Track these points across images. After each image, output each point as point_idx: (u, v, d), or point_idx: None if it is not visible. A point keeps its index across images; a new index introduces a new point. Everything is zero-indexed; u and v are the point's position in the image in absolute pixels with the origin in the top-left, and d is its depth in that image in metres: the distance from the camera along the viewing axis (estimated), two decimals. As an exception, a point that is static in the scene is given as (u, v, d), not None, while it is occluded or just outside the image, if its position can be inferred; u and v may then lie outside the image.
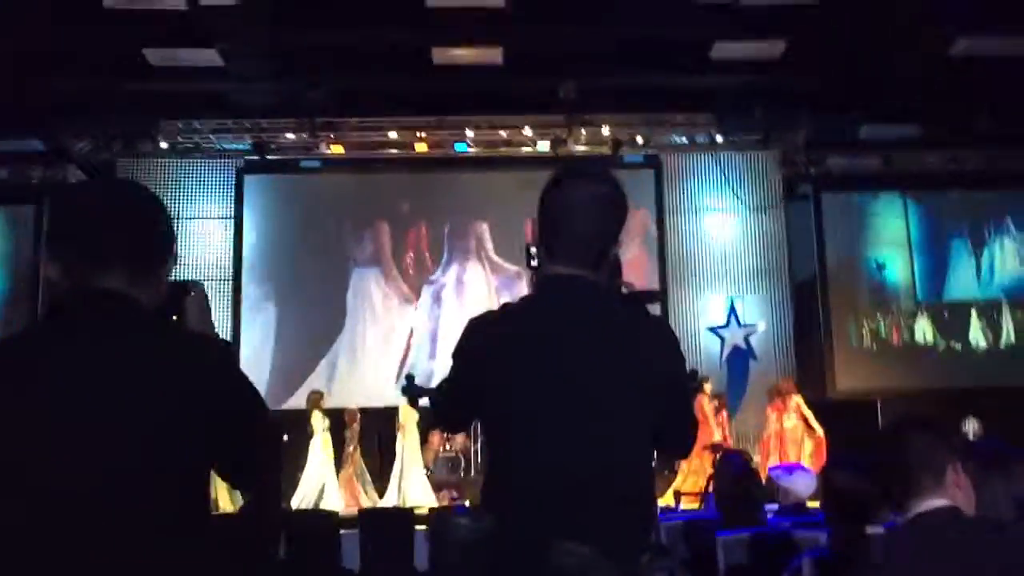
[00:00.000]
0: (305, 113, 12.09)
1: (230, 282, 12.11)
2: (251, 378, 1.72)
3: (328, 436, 10.66)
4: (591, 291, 1.95)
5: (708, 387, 10.57)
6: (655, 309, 2.11)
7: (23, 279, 11.98)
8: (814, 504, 4.05)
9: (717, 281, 12.42)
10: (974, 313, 12.55)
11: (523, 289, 11.59)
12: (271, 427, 1.80)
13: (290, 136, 12.48)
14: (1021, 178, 12.79)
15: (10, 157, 12.31)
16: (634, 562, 1.79)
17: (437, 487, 10.59)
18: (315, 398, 10.92)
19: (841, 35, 10.53)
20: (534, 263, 2.01)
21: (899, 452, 2.09)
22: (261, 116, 12.35)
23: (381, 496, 10.73)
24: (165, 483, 1.53)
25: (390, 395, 11.38)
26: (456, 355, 2.00)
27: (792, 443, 10.27)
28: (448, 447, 11.24)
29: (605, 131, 12.48)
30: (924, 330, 12.53)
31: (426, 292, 12.59)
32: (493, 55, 10.84)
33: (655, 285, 11.72)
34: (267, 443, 1.77)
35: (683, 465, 9.74)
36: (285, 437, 9.34)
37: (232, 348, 1.69)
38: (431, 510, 8.87)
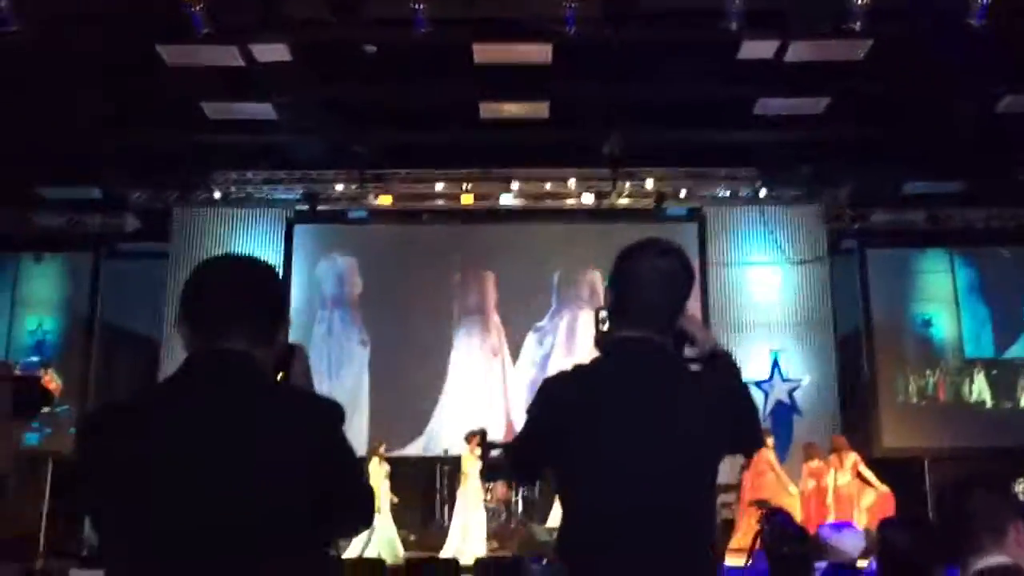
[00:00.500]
0: (354, 165, 12.37)
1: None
2: None
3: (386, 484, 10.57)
4: (660, 353, 2.07)
5: (770, 440, 10.56)
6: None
7: (79, 325, 12.31)
8: (863, 564, 4.05)
9: (761, 335, 12.39)
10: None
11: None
12: (368, 486, 1.96)
13: (339, 187, 12.76)
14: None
15: (69, 205, 12.70)
16: None
17: None
18: (374, 445, 10.79)
19: (885, 91, 10.60)
20: (604, 327, 2.13)
21: (963, 508, 2.13)
22: (312, 167, 12.66)
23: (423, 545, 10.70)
24: (278, 530, 1.69)
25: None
26: (532, 410, 2.12)
27: (846, 500, 10.14)
28: (488, 497, 11.23)
29: (649, 184, 12.60)
30: (972, 388, 12.36)
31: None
32: (539, 109, 11.05)
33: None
34: (367, 498, 1.94)
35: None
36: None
37: (342, 408, 1.83)
38: (477, 560, 8.83)
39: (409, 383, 12.42)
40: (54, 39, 9.01)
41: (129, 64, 9.83)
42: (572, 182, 12.71)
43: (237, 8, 8.64)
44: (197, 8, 8.25)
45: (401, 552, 10.19)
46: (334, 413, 1.83)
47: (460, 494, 10.61)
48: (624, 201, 12.77)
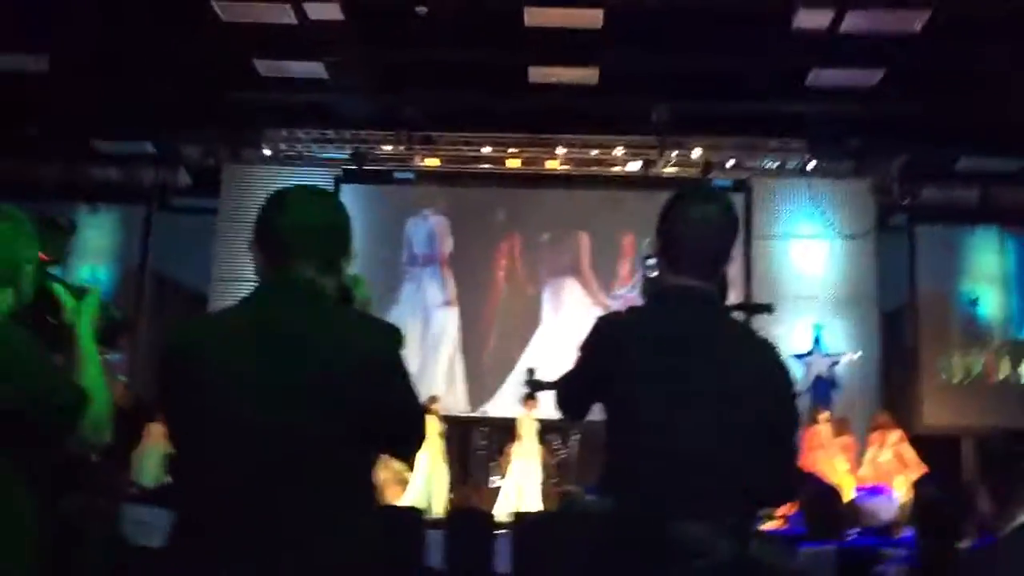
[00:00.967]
0: (402, 126, 12.45)
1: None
2: None
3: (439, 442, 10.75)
4: (709, 301, 2.15)
5: (823, 415, 10.63)
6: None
7: (131, 275, 12.61)
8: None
9: (803, 308, 12.31)
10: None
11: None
12: (421, 408, 2.10)
13: (387, 148, 12.86)
14: None
15: (123, 159, 12.96)
16: (746, 545, 1.93)
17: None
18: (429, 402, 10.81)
19: (941, 65, 10.41)
20: (652, 273, 2.21)
21: (1013, 457, 2.17)
22: (360, 127, 12.76)
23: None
24: (340, 438, 1.84)
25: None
26: (584, 348, 2.21)
27: (884, 477, 10.12)
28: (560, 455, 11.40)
29: (696, 154, 12.53)
30: (1018, 368, 12.20)
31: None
32: (589, 75, 11.03)
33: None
34: (420, 419, 2.08)
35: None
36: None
37: (400, 332, 1.97)
38: (516, 514, 8.93)
39: (497, 344, 12.60)
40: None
41: (184, 20, 9.97)
42: (619, 149, 12.68)
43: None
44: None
45: (440, 509, 10.37)
46: (392, 334, 1.99)
47: (515, 455, 10.75)
48: (670, 170, 12.71)
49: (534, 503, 10.37)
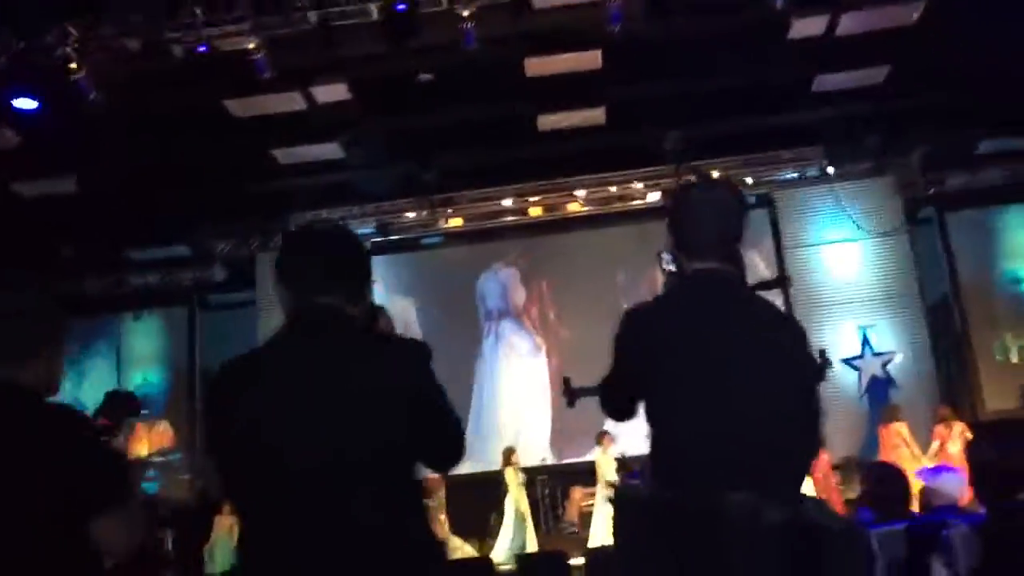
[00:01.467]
0: (422, 191, 12.68)
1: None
2: None
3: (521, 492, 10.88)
4: (733, 282, 2.22)
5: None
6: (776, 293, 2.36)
7: (181, 376, 12.85)
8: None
9: (846, 312, 12.22)
10: None
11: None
12: (457, 418, 2.13)
13: (410, 215, 13.08)
14: None
15: (161, 263, 13.30)
16: (796, 508, 1.95)
17: None
18: (507, 454, 11.09)
19: (945, 53, 10.41)
20: (670, 267, 2.27)
21: None
22: (382, 199, 13.01)
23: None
24: (383, 460, 1.91)
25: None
26: (618, 344, 2.26)
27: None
28: (588, 503, 11.29)
29: (714, 175, 12.57)
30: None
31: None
32: (596, 115, 11.18)
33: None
34: (457, 428, 2.13)
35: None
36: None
37: (428, 348, 2.04)
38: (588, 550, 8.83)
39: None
40: (128, 103, 9.48)
41: (199, 122, 10.30)
42: (637, 183, 12.79)
43: (294, 52, 8.99)
44: (260, 55, 8.63)
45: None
46: (422, 351, 2.05)
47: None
48: (692, 195, 12.73)
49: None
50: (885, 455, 10.31)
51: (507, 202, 13.00)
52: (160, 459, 11.03)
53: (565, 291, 12.98)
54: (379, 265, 13.09)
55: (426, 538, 1.98)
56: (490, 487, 11.82)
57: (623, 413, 2.32)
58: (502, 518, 11.30)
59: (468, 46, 8.86)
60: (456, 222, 13.19)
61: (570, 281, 12.94)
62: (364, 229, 13.25)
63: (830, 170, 12.62)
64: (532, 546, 10.60)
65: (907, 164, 12.58)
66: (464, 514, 11.25)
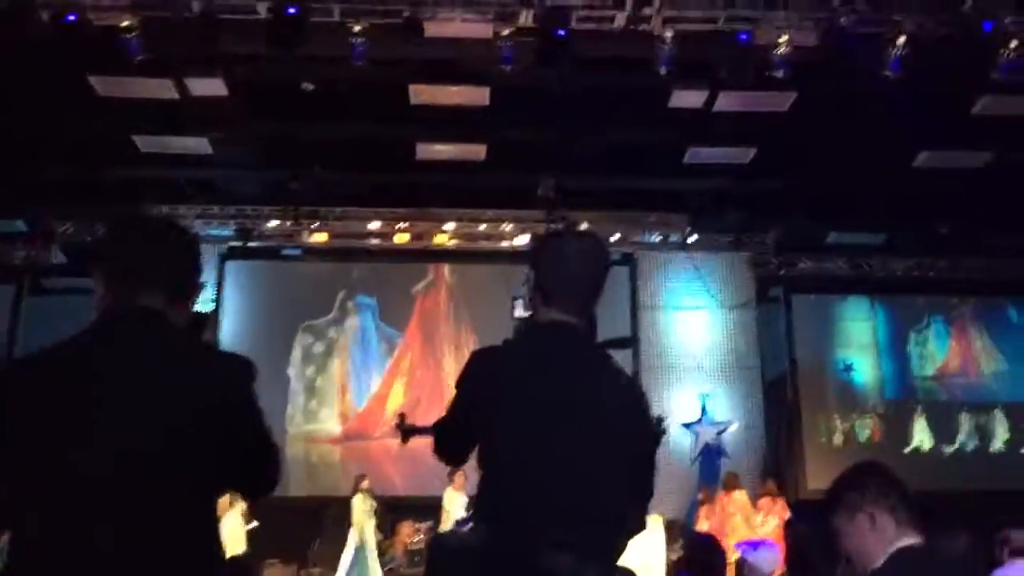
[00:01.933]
0: (289, 201, 12.34)
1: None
2: None
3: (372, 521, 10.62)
4: (580, 337, 2.19)
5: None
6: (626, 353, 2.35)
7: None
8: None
9: (689, 378, 12.59)
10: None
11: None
12: (275, 445, 1.97)
13: (273, 223, 12.71)
14: (984, 284, 13.27)
15: (-5, 238, 12.42)
16: (611, 574, 1.92)
17: None
18: (357, 480, 10.75)
19: (809, 144, 10.98)
20: (522, 312, 2.23)
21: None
22: (246, 203, 12.59)
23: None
24: (183, 473, 1.73)
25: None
26: (461, 384, 2.20)
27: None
28: (417, 539, 11.12)
29: (582, 227, 12.78)
30: (892, 430, 12.74)
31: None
32: (476, 151, 11.19)
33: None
34: (273, 456, 1.95)
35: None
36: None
37: (253, 366, 1.88)
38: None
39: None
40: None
41: (59, 94, 9.71)
42: (507, 224, 12.86)
43: (172, 40, 8.61)
44: (133, 35, 8.21)
45: None
46: (245, 369, 1.87)
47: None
48: (557, 244, 12.89)
49: None
50: (721, 522, 10.55)
51: (374, 225, 12.81)
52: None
53: (410, 316, 12.86)
54: (232, 270, 12.68)
55: (212, 562, 1.80)
56: (318, 512, 11.55)
57: (454, 458, 2.25)
58: (330, 545, 11.00)
59: (356, 62, 8.71)
60: (320, 237, 12.89)
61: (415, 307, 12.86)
62: (223, 231, 12.79)
63: (692, 238, 13.03)
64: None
65: (763, 243, 13.15)
66: (286, 538, 10.90)
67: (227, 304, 12.60)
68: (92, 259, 1.91)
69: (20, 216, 12.26)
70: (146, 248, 1.91)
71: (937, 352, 13.15)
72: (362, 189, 12.44)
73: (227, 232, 12.76)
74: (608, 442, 2.08)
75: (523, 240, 12.90)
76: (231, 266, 12.81)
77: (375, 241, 12.99)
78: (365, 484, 10.63)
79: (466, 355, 2.30)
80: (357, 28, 8.45)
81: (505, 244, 13.00)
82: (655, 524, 10.04)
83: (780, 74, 8.89)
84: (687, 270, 13.07)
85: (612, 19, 8.80)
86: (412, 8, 8.49)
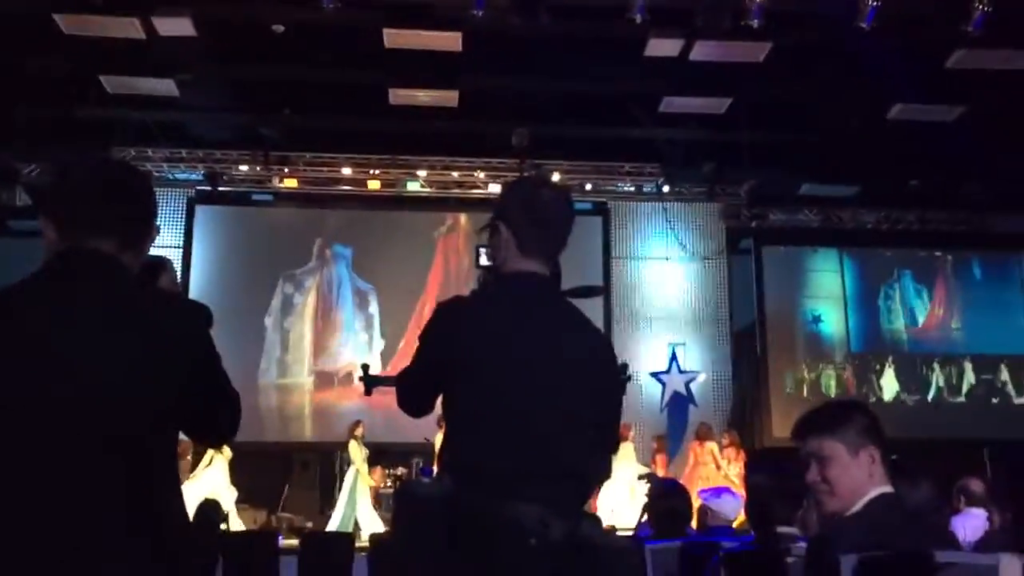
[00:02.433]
0: (259, 146, 12.18)
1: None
2: None
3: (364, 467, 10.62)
4: (547, 287, 2.19)
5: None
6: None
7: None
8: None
9: (659, 328, 12.68)
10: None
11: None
12: (233, 392, 1.95)
13: (243, 168, 12.55)
14: (953, 238, 13.45)
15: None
16: (577, 525, 1.94)
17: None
18: (352, 427, 10.73)
19: (783, 95, 10.98)
20: (485, 261, 2.22)
21: None
22: (215, 147, 12.42)
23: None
24: (137, 417, 1.70)
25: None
26: (425, 336, 2.17)
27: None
28: (386, 485, 11.22)
29: (555, 177, 12.74)
30: (859, 381, 12.97)
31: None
32: (449, 98, 11.07)
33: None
34: (229, 403, 1.93)
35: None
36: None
37: (209, 311, 1.85)
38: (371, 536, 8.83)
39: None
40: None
41: (23, 32, 9.47)
42: (480, 172, 12.79)
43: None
44: (96, -28, 8.00)
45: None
46: (199, 314, 1.86)
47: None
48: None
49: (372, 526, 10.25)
50: (694, 470, 10.80)
51: (347, 170, 12.69)
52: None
53: (389, 272, 12.78)
54: (201, 215, 12.55)
55: (174, 511, 1.78)
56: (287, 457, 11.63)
57: (417, 409, 2.25)
58: (298, 491, 11.10)
59: (326, 5, 8.55)
60: (291, 183, 12.76)
61: (395, 262, 12.76)
62: (191, 175, 12.64)
63: (665, 189, 13.04)
64: (373, 524, 10.30)
65: (736, 195, 13.19)
66: (261, 483, 10.99)
67: (197, 249, 12.48)
68: (42, 203, 1.86)
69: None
70: (97, 191, 1.85)
71: (905, 305, 13.32)
72: (334, 134, 12.29)
73: (196, 176, 12.60)
74: (574, 394, 2.08)
75: (496, 188, 12.84)
76: (200, 211, 12.66)
77: (346, 188, 12.88)
78: (359, 431, 10.62)
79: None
80: (329, -32, 8.28)
81: (478, 192, 12.94)
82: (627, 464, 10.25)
83: (756, 24, 8.85)
84: (659, 220, 13.09)
85: (588, -36, 8.69)
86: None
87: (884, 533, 2.06)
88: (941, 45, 9.65)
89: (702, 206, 13.20)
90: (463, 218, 12.97)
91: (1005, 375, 13.15)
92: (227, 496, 10.17)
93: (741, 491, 10.04)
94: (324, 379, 12.55)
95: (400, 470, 11.33)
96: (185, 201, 12.56)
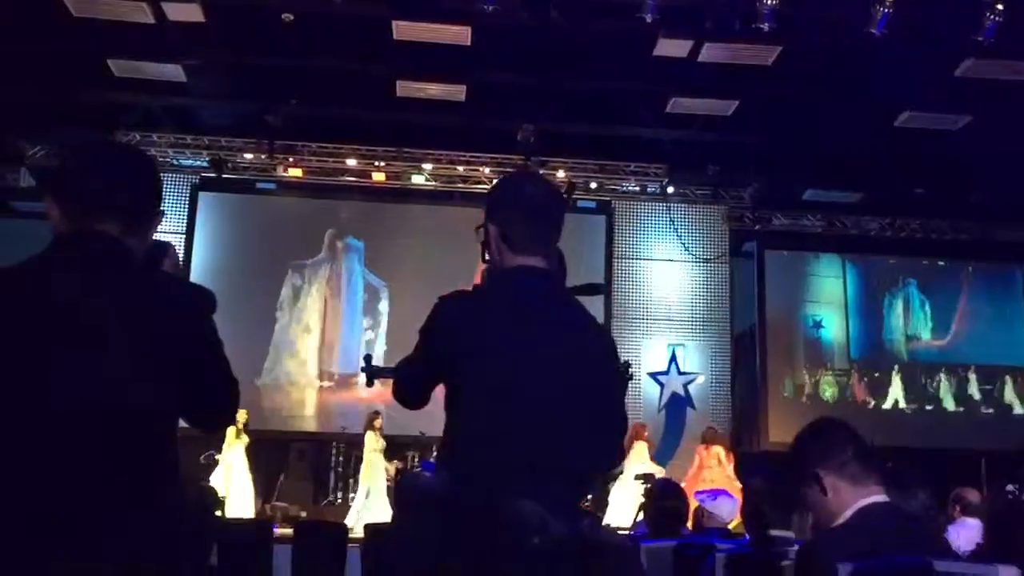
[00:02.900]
0: (265, 134, 12.16)
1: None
2: None
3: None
4: (549, 282, 2.18)
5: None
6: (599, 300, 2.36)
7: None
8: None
9: (660, 328, 12.67)
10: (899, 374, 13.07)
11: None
12: (231, 377, 1.95)
13: (248, 156, 12.54)
14: (958, 244, 13.43)
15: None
16: (578, 522, 1.94)
17: None
18: (370, 418, 10.71)
19: (790, 99, 10.96)
20: (487, 257, 2.22)
21: None
22: (220, 134, 12.40)
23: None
24: (139, 400, 1.72)
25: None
26: (426, 330, 2.17)
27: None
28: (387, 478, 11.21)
29: (560, 174, 12.74)
30: (855, 388, 12.96)
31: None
32: (456, 92, 11.07)
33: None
34: (227, 388, 1.93)
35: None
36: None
37: (213, 296, 1.86)
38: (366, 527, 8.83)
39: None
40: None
41: (31, 13, 9.46)
42: (485, 167, 12.77)
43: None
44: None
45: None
46: (203, 298, 1.87)
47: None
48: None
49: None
50: (698, 473, 10.73)
51: (352, 162, 12.68)
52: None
53: (395, 264, 12.76)
54: (204, 202, 12.54)
55: (171, 492, 1.79)
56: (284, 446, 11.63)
57: (414, 401, 2.24)
58: (293, 481, 11.10)
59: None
60: (295, 172, 12.74)
61: (402, 255, 12.73)
62: (196, 161, 12.62)
63: (670, 189, 13.02)
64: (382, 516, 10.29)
65: (740, 197, 13.18)
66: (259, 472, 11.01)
67: (199, 237, 12.47)
68: (47, 185, 1.88)
69: (-10, 139, 12.00)
70: (102, 173, 1.87)
71: (909, 314, 13.30)
72: (340, 125, 12.27)
73: (200, 162, 12.59)
74: (577, 390, 2.08)
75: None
76: (204, 197, 12.65)
77: (351, 179, 12.86)
78: (378, 423, 10.61)
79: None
80: (339, -41, 8.26)
81: (483, 187, 12.91)
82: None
83: (766, 27, 8.83)
84: (663, 221, 13.08)
85: (599, -38, 8.68)
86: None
87: (877, 541, 2.06)
88: (951, 53, 9.63)
89: (706, 208, 13.19)
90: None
91: (1008, 386, 13.13)
92: (245, 483, 10.17)
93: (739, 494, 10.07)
94: (328, 371, 12.53)
95: (396, 464, 11.33)
96: (189, 188, 12.54)
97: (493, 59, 10.30)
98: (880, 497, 2.22)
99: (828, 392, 12.92)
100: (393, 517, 2.22)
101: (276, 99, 11.54)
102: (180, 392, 1.77)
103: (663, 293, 12.85)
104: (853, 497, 2.21)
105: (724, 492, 4.03)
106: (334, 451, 11.75)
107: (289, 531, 6.78)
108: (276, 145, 12.31)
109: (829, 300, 13.20)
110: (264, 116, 11.69)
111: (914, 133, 11.31)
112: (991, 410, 13.07)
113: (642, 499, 4.47)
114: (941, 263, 13.54)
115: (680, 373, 12.45)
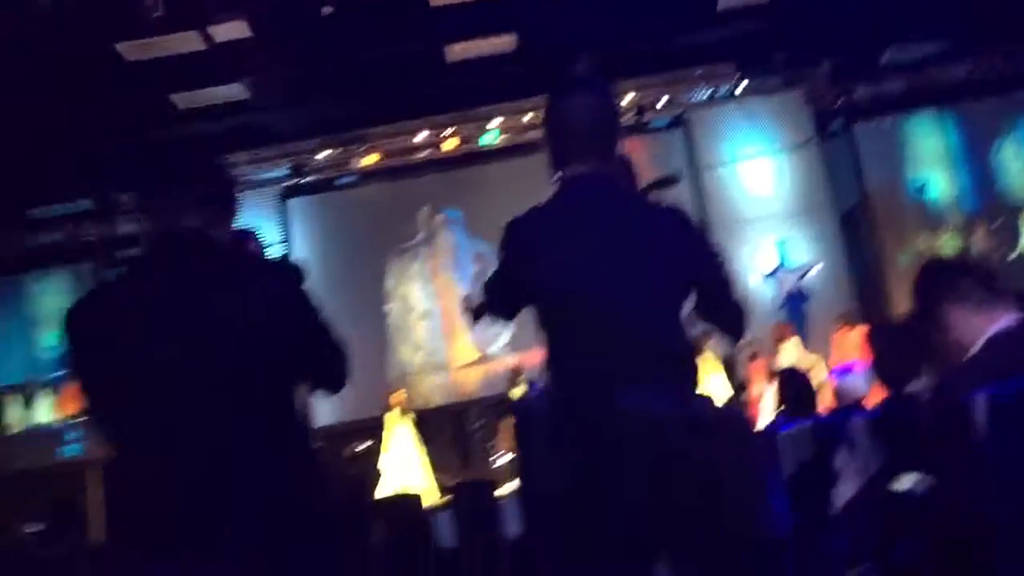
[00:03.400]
0: (333, 131, 12.36)
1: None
2: None
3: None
4: (609, 182, 2.17)
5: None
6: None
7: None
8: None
9: (763, 228, 12.40)
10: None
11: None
12: (340, 340, 2.08)
13: (323, 155, 12.78)
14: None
15: (63, 220, 12.77)
16: (688, 403, 1.96)
17: None
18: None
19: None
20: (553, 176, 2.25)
21: None
22: (292, 140, 12.66)
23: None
24: (254, 375, 1.88)
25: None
26: (500, 252, 2.27)
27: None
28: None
29: (628, 99, 12.52)
30: (973, 242, 12.42)
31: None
32: (506, 42, 10.99)
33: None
34: (339, 351, 2.07)
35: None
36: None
37: (301, 268, 1.98)
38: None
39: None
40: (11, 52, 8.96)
41: (89, 69, 9.79)
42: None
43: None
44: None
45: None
46: (294, 272, 2.01)
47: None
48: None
49: None
50: (840, 358, 10.44)
51: (420, 137, 12.77)
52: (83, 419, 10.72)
53: (496, 225, 12.74)
54: (294, 209, 12.86)
55: (312, 471, 1.95)
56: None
57: (507, 315, 2.35)
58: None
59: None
60: (369, 160, 12.91)
61: (499, 215, 12.68)
62: (276, 172, 12.93)
63: (741, 87, 12.66)
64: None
65: (815, 76, 12.70)
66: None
67: (297, 245, 12.75)
68: (136, 199, 2.04)
69: (82, 195, 12.56)
70: (176, 173, 2.05)
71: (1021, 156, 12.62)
72: (402, 105, 12.34)
73: (280, 173, 12.88)
74: (659, 270, 2.10)
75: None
76: (293, 204, 12.97)
77: (424, 153, 12.95)
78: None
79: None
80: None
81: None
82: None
83: None
84: (741, 120, 12.73)
85: None
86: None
87: (1014, 364, 1.99)
88: None
89: (783, 96, 12.78)
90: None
91: None
92: (415, 460, 10.44)
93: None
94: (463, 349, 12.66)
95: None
96: (275, 199, 12.85)
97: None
98: (1011, 320, 2.13)
99: (950, 252, 12.42)
100: (514, 442, 2.30)
101: (335, 93, 11.68)
102: (290, 361, 1.88)
103: (757, 192, 12.56)
104: (984, 324, 2.13)
105: (855, 365, 3.97)
106: (472, 419, 11.98)
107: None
108: (346, 138, 12.50)
109: (932, 159, 12.64)
110: (328, 113, 11.81)
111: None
112: None
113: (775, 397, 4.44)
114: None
115: (792, 268, 12.18)
